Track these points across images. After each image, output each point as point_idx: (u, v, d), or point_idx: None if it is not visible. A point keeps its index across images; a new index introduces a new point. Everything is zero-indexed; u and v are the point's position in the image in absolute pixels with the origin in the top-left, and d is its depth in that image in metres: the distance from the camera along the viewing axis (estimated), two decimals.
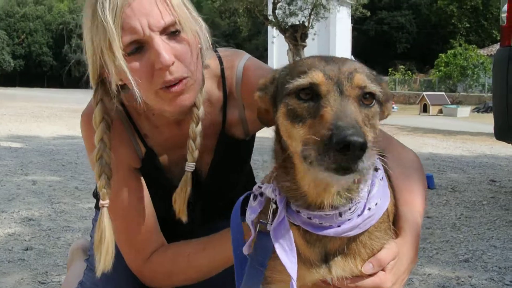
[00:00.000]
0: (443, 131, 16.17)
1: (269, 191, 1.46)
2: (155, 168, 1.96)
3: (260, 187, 1.51)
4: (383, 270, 1.47)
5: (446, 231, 4.59)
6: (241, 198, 1.61)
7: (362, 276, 1.44)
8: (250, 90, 1.90)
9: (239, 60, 1.96)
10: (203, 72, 1.84)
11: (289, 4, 21.14)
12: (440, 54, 40.12)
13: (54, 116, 17.92)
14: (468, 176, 7.44)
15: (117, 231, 1.85)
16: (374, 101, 1.30)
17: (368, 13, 24.96)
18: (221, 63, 1.95)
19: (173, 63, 1.65)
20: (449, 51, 39.55)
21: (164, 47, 1.63)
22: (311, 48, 25.30)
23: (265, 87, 1.45)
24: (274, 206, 1.46)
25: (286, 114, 1.28)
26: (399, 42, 56.34)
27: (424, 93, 30.03)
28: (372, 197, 1.41)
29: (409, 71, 44.93)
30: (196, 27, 1.74)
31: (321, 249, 1.43)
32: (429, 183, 6.43)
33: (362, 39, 52.63)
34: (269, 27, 25.84)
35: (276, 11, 21.13)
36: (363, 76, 1.29)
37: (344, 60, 1.35)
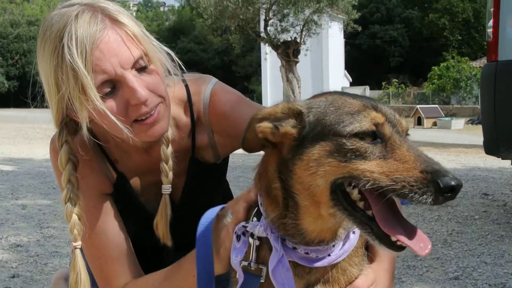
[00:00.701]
0: (437, 144, 16.20)
1: (259, 229, 1.44)
2: (127, 193, 1.93)
3: (245, 226, 1.48)
4: None
5: (437, 248, 4.56)
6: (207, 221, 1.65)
7: None
8: (218, 115, 1.90)
9: (206, 85, 1.94)
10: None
11: (280, 21, 21.14)
12: (433, 67, 40.43)
13: (47, 137, 17.32)
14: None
15: (88, 259, 1.83)
16: None
17: (360, 28, 24.99)
18: (187, 88, 1.93)
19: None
20: (441, 64, 39.87)
21: (138, 83, 1.62)
22: (303, 64, 25.42)
23: (277, 119, 1.37)
24: (257, 243, 1.45)
25: (331, 151, 1.25)
26: (392, 56, 56.59)
27: (418, 106, 30.19)
28: None
29: (402, 85, 45.14)
30: (159, 55, 1.74)
31: (306, 281, 1.45)
32: None
33: (355, 54, 52.83)
34: (262, 44, 25.87)
35: (268, 28, 21.13)
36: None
37: (372, 99, 1.37)
